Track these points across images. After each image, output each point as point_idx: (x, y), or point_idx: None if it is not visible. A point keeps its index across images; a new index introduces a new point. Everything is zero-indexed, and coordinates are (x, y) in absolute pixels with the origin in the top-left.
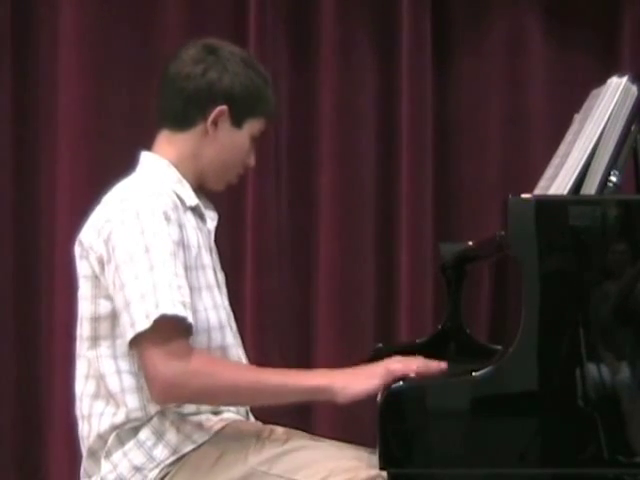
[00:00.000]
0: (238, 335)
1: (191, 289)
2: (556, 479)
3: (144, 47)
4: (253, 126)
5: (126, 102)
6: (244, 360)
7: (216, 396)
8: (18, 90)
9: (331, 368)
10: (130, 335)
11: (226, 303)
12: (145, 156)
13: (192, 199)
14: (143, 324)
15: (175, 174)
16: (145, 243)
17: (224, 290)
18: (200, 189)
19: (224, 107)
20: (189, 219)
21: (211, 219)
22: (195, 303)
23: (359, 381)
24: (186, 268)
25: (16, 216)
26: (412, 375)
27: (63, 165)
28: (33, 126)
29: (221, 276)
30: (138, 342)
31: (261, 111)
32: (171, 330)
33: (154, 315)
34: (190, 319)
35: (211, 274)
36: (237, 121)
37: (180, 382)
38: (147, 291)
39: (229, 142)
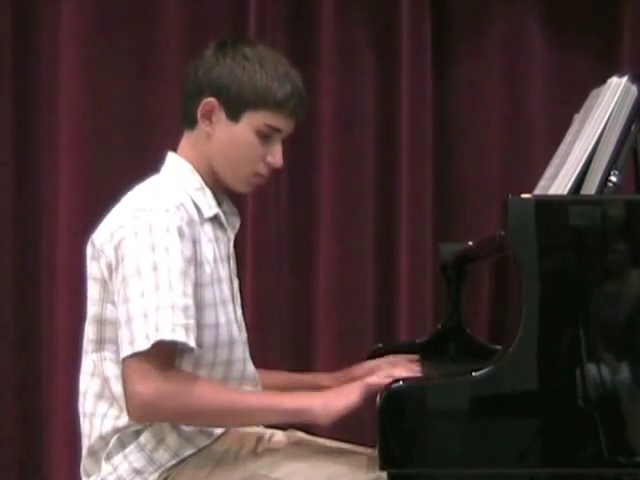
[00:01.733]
0: (247, 346)
1: (204, 306)
2: (556, 479)
3: (144, 47)
4: (254, 119)
5: (126, 102)
6: (251, 373)
7: (190, 418)
8: (18, 90)
9: (323, 375)
10: (128, 352)
11: (239, 313)
12: (170, 158)
13: (212, 209)
14: (142, 344)
15: (197, 181)
16: (154, 260)
17: (238, 300)
18: (226, 192)
19: (212, 100)
20: (206, 232)
21: (232, 226)
22: (207, 319)
23: (338, 399)
24: (197, 285)
25: (16, 216)
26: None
27: (63, 165)
28: (33, 126)
29: (236, 284)
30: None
31: (262, 103)
32: (164, 353)
33: (153, 338)
34: (191, 343)
35: (227, 287)
36: (232, 114)
37: (154, 402)
38: (150, 311)
39: (227, 137)
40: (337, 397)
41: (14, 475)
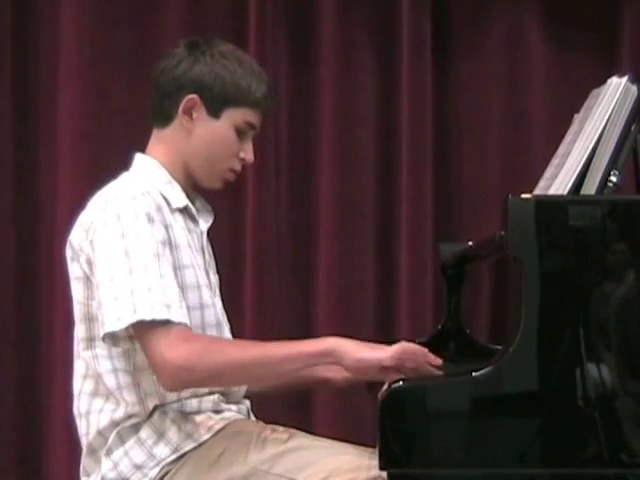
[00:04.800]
0: (230, 336)
1: (187, 287)
2: (556, 479)
3: (144, 47)
4: (234, 116)
5: (126, 102)
6: None
7: (225, 374)
8: (18, 90)
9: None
10: (100, 333)
11: (219, 305)
12: (137, 158)
13: (181, 200)
14: (113, 325)
15: (164, 175)
16: (125, 246)
17: (217, 293)
18: (197, 188)
19: (194, 96)
20: (177, 220)
21: (204, 221)
22: (192, 301)
23: (368, 349)
24: (177, 268)
25: (16, 216)
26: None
27: (63, 165)
28: (33, 126)
29: (215, 279)
30: (140, 335)
31: (242, 101)
32: (159, 329)
33: (130, 319)
34: (176, 318)
35: (202, 274)
36: (213, 111)
37: (188, 364)
38: (122, 295)
39: (207, 133)
40: (367, 347)
41: (14, 475)
